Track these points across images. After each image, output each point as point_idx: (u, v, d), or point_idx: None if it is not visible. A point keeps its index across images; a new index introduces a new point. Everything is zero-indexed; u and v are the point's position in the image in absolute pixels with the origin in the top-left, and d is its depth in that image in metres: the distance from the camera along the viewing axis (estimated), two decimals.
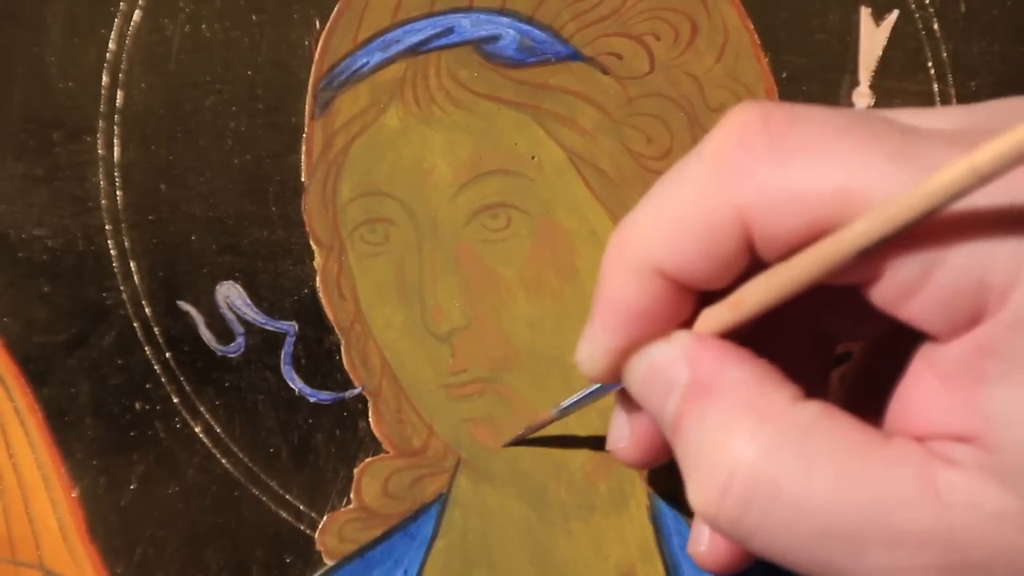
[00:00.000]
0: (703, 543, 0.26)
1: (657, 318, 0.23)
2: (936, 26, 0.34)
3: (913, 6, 0.34)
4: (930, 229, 0.20)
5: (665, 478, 0.33)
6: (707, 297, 0.24)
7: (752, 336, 0.24)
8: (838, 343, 0.28)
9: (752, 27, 0.34)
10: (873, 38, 0.34)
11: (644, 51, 0.34)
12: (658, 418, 0.24)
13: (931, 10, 0.34)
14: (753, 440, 0.21)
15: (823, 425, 0.21)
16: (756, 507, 0.21)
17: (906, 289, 0.20)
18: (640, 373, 0.24)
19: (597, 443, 0.33)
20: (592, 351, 0.25)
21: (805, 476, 0.20)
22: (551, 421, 0.32)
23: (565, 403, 0.31)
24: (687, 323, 0.24)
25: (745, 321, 0.23)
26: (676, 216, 0.22)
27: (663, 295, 0.23)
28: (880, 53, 0.34)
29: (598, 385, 0.28)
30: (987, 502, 0.19)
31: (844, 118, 0.21)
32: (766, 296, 0.22)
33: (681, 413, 0.23)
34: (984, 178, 0.18)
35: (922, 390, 0.21)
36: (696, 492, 0.22)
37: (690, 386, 0.23)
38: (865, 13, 0.34)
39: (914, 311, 0.20)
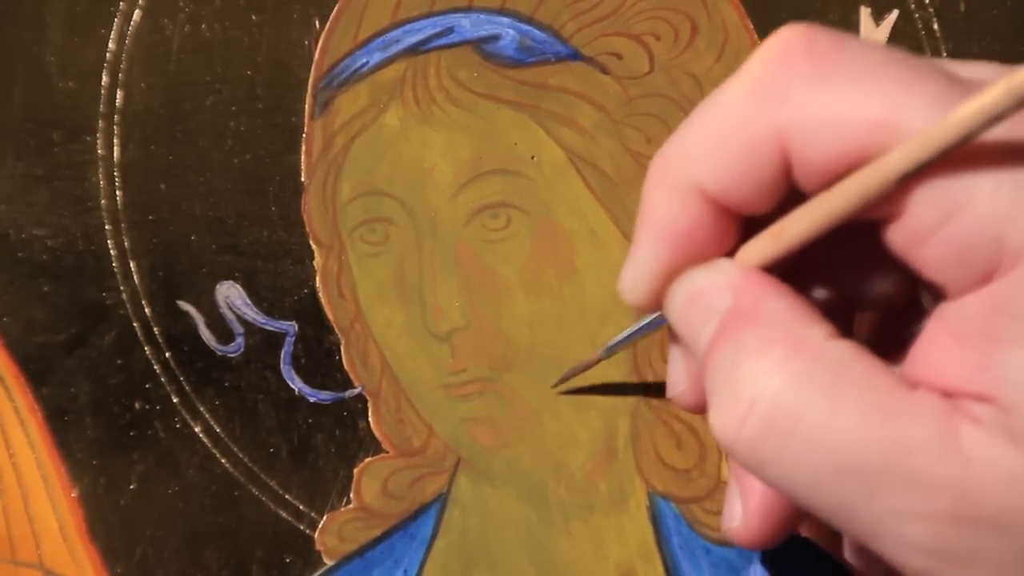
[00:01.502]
0: (736, 518, 0.26)
1: (699, 241, 0.23)
2: (936, 26, 0.34)
3: (913, 6, 0.34)
4: (953, 170, 0.20)
5: (665, 478, 0.33)
6: (749, 231, 0.24)
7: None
8: (853, 314, 0.28)
9: (752, 27, 0.34)
10: (873, 38, 0.34)
11: (644, 51, 0.34)
12: (692, 345, 0.24)
13: (931, 10, 0.34)
14: (781, 369, 0.21)
15: (854, 364, 0.21)
16: (775, 435, 0.21)
17: (923, 232, 0.20)
18: (681, 299, 0.24)
19: (659, 390, 0.33)
20: (635, 276, 0.25)
21: (829, 410, 0.20)
22: (597, 362, 0.32)
23: (611, 343, 0.31)
24: (729, 253, 0.24)
25: (787, 253, 0.23)
26: (717, 136, 0.22)
27: (705, 217, 0.23)
28: None
29: (642, 322, 0.28)
30: (1003, 460, 0.19)
31: (890, 52, 0.21)
32: (808, 225, 0.22)
33: (716, 339, 0.23)
34: (1021, 100, 0.18)
35: (939, 350, 0.21)
36: (717, 415, 0.22)
37: (730, 313, 0.23)
38: (865, 13, 0.34)
39: (928, 257, 0.20)
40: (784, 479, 0.21)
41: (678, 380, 0.28)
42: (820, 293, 0.26)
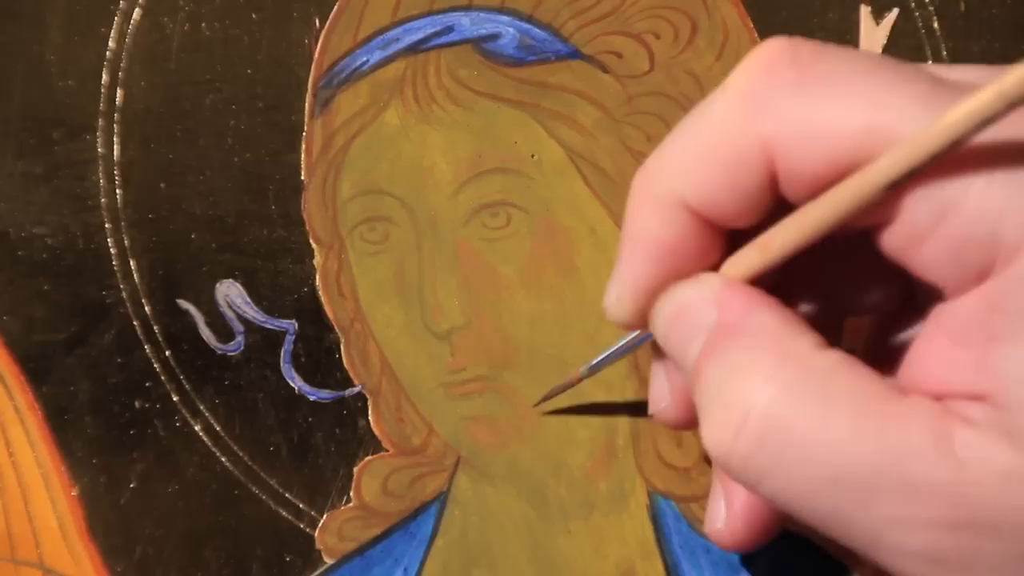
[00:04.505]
0: (720, 520, 0.26)
1: (684, 256, 0.23)
2: (936, 25, 0.34)
3: (913, 5, 0.34)
4: (944, 175, 0.20)
5: (665, 476, 0.33)
6: (734, 244, 0.24)
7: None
8: (844, 317, 0.28)
9: (752, 25, 0.34)
10: (873, 37, 0.34)
11: (644, 49, 0.34)
12: (680, 361, 0.24)
13: (931, 8, 0.34)
14: (771, 381, 0.21)
15: (843, 373, 0.21)
16: (769, 448, 0.21)
17: (917, 234, 0.20)
18: (667, 314, 0.24)
19: (639, 409, 0.33)
20: (620, 293, 0.25)
21: (821, 421, 0.20)
22: (580, 380, 0.32)
23: (594, 360, 0.30)
24: (714, 267, 0.24)
25: (773, 265, 0.23)
26: (702, 148, 0.22)
27: (690, 231, 0.23)
28: (880, 52, 0.34)
29: (626, 340, 0.28)
30: (999, 460, 0.19)
31: (873, 58, 0.21)
32: (795, 236, 0.22)
33: (704, 354, 0.22)
34: (1012, 103, 0.18)
35: (935, 350, 0.21)
36: (710, 431, 0.22)
37: (717, 327, 0.22)
38: (865, 12, 0.34)
39: (923, 258, 0.20)
40: (780, 492, 0.21)
41: (660, 397, 0.28)
42: (809, 300, 0.26)
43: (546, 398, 0.33)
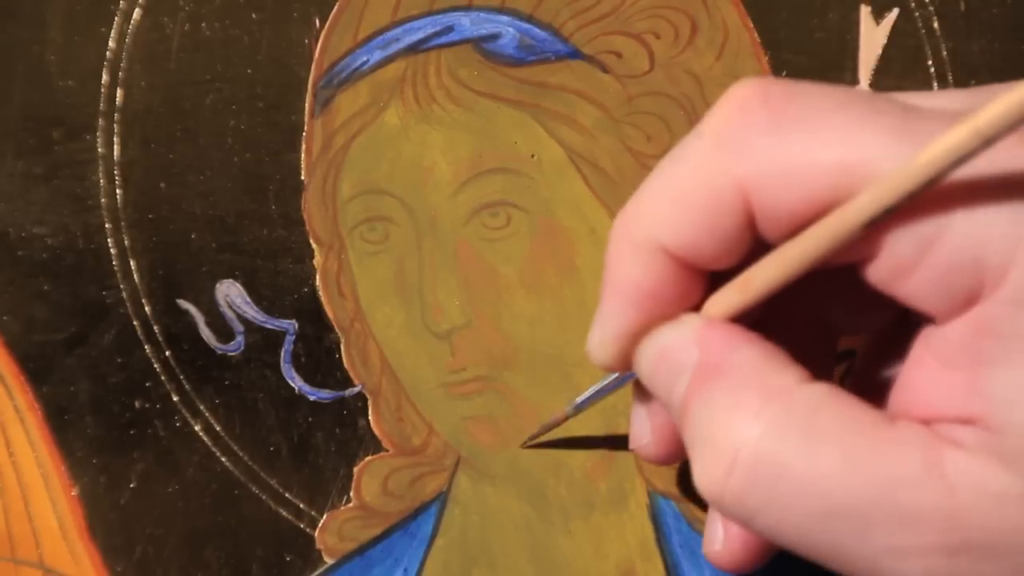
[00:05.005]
0: (718, 541, 0.26)
1: (665, 300, 0.23)
2: (936, 24, 0.34)
3: (913, 4, 0.34)
4: (926, 206, 0.20)
5: (665, 477, 0.33)
6: (715, 283, 0.24)
7: (756, 329, 0.24)
8: (839, 337, 0.28)
9: (752, 26, 0.34)
10: (873, 37, 0.34)
11: (644, 49, 0.34)
12: (667, 403, 0.24)
13: (931, 8, 0.34)
14: (758, 418, 0.21)
15: (829, 405, 0.21)
16: (761, 485, 0.21)
17: (902, 266, 0.20)
18: (650, 357, 0.24)
19: (619, 443, 0.33)
20: (602, 337, 0.25)
21: (810, 455, 0.20)
22: (565, 419, 0.32)
23: (579, 399, 0.31)
24: (696, 307, 0.24)
25: (754, 303, 0.23)
26: (678, 193, 0.22)
27: (670, 275, 0.23)
28: (880, 52, 0.34)
29: (610, 379, 0.28)
30: (991, 483, 0.19)
31: (845, 93, 0.21)
32: (775, 275, 0.22)
33: (689, 394, 0.23)
34: (987, 140, 0.18)
35: (924, 374, 0.21)
36: (701, 471, 0.22)
37: (699, 367, 0.23)
38: (865, 11, 0.34)
39: (911, 289, 0.20)
40: (774, 528, 0.21)
41: (641, 434, 0.28)
42: (799, 327, 0.26)
43: (533, 438, 0.33)
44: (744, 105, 0.21)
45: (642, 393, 0.27)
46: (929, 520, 0.20)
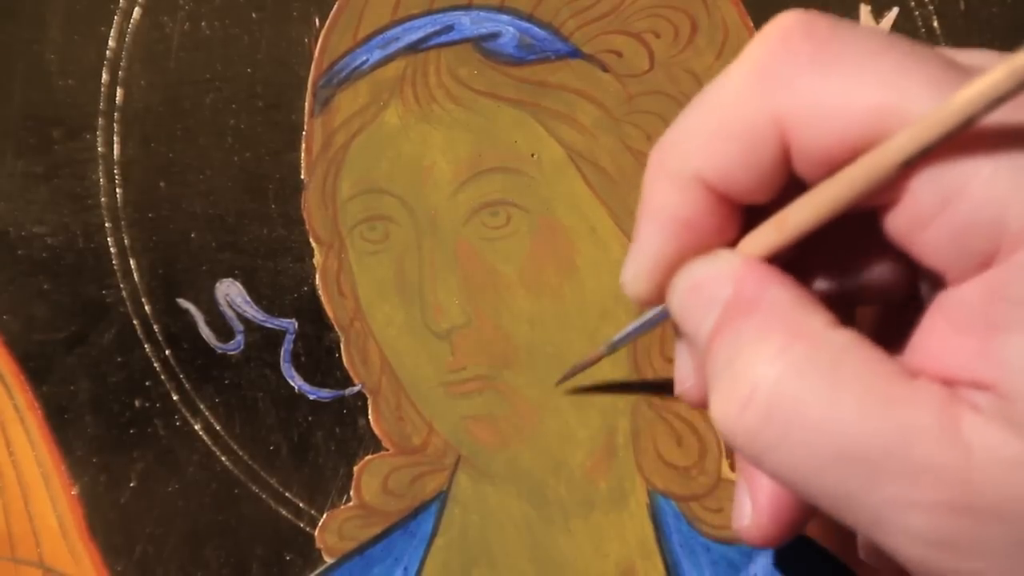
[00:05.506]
0: (746, 516, 0.26)
1: (701, 231, 0.23)
2: (936, 24, 0.34)
3: (913, 4, 0.34)
4: (954, 154, 0.20)
5: (665, 475, 0.33)
6: (750, 222, 0.24)
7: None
8: (855, 308, 0.28)
9: (752, 25, 0.34)
10: None
11: (644, 49, 0.34)
12: (694, 336, 0.24)
13: (930, 8, 0.34)
14: (781, 357, 0.21)
15: (854, 352, 0.21)
16: (775, 423, 0.21)
17: (922, 217, 0.20)
18: (683, 290, 0.24)
19: (659, 388, 0.33)
20: (637, 268, 0.24)
21: (829, 398, 0.20)
22: (601, 357, 0.32)
23: (615, 337, 0.30)
24: (731, 244, 0.24)
25: (790, 243, 0.23)
26: (716, 123, 0.22)
27: (706, 206, 0.23)
28: None
29: (647, 317, 0.28)
30: (1004, 448, 0.19)
31: (888, 38, 0.21)
32: (811, 215, 0.22)
33: (717, 328, 0.22)
34: (1023, 82, 0.18)
35: (938, 338, 0.21)
36: (717, 404, 0.22)
37: (731, 302, 0.22)
38: (865, 11, 0.34)
39: (927, 243, 0.20)
40: (784, 468, 0.21)
41: (685, 376, 0.27)
42: (822, 284, 0.26)
43: (567, 375, 0.33)
44: (787, 37, 0.21)
45: (682, 336, 0.27)
46: (940, 476, 0.19)
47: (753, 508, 0.26)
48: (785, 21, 0.21)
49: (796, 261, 0.24)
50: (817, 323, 0.21)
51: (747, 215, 0.24)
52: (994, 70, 0.19)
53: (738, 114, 0.22)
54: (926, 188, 0.20)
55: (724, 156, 0.22)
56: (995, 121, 0.19)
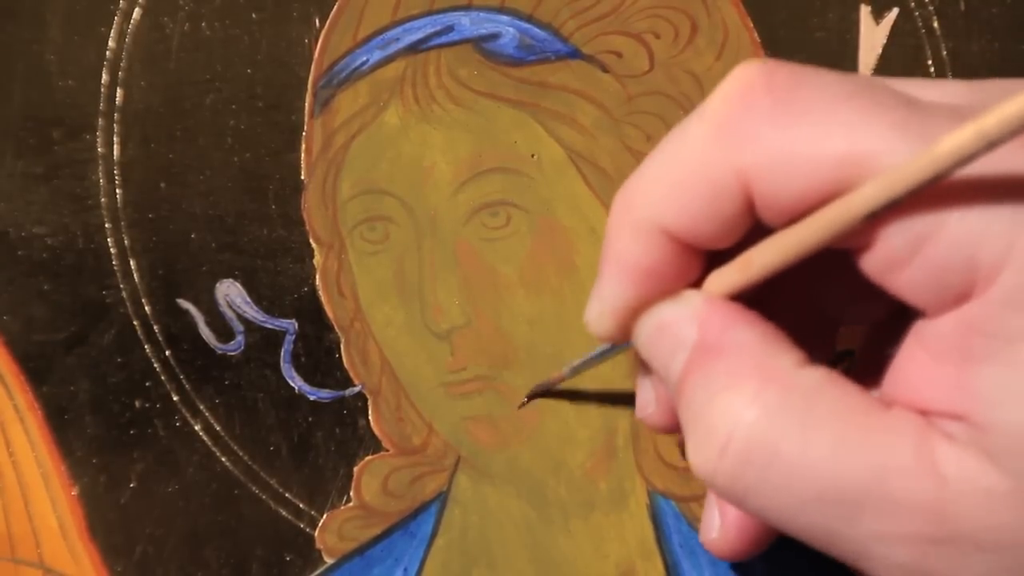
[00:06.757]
0: (714, 529, 0.26)
1: (665, 276, 0.23)
2: (936, 24, 0.34)
3: (913, 4, 0.34)
4: (923, 203, 0.20)
5: (665, 476, 0.33)
6: (715, 258, 0.24)
7: (756, 309, 0.24)
8: (837, 327, 0.28)
9: (752, 25, 0.34)
10: (873, 36, 0.34)
11: (644, 49, 0.34)
12: (664, 377, 0.24)
13: (931, 8, 0.34)
14: (755, 401, 0.21)
15: (826, 391, 0.21)
16: (753, 468, 0.21)
17: (897, 259, 0.20)
18: (649, 331, 0.24)
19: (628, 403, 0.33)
20: (601, 309, 0.25)
21: (804, 439, 0.20)
22: (561, 380, 0.32)
23: (576, 362, 0.31)
24: (695, 283, 0.24)
25: (754, 283, 0.23)
26: (678, 175, 0.22)
27: (669, 254, 0.23)
28: (880, 51, 0.34)
29: (604, 348, 0.28)
30: (980, 478, 0.19)
31: (850, 83, 0.21)
32: (775, 258, 0.22)
33: (687, 372, 0.23)
34: (991, 143, 0.19)
35: (915, 367, 0.21)
36: (695, 450, 0.22)
37: (697, 345, 0.23)
38: (865, 11, 0.34)
39: (903, 282, 0.20)
40: (766, 509, 0.21)
41: (646, 403, 0.28)
42: (798, 310, 0.26)
43: (532, 395, 0.33)
44: (747, 91, 0.21)
45: (645, 364, 0.27)
46: (918, 509, 0.20)
47: (721, 522, 0.26)
48: (745, 73, 0.21)
49: (771, 289, 0.24)
50: (787, 363, 0.22)
51: (711, 254, 0.24)
52: (962, 130, 0.19)
53: (700, 169, 0.22)
54: (897, 234, 0.20)
55: (687, 208, 0.22)
56: (965, 169, 0.19)
